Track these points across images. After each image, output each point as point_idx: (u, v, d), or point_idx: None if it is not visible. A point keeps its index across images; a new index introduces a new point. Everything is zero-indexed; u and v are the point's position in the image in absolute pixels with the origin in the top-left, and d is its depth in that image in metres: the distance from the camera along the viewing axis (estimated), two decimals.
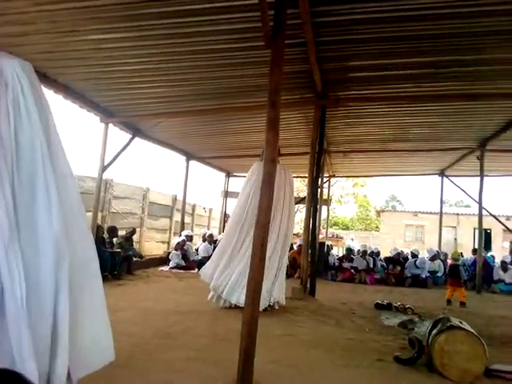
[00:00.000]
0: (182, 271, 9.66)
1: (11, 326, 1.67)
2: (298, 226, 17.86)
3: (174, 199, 12.58)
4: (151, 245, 11.37)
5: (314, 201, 7.08)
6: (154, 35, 4.86)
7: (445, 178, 13.13)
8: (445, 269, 10.38)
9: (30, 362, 1.66)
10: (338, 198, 27.71)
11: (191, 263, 10.29)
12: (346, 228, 33.18)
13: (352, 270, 10.40)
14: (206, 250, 10.10)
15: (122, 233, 8.88)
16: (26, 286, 1.73)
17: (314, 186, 7.20)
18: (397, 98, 6.93)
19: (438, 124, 8.29)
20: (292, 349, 3.92)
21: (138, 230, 10.24)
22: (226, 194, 15.23)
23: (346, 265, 10.67)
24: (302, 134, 9.10)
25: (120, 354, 3.41)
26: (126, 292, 6.56)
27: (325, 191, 14.25)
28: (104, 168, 8.09)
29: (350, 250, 11.50)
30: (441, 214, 13.95)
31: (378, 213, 28.92)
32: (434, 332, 3.53)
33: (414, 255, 10.87)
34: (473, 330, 3.47)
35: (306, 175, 7.49)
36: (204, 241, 10.95)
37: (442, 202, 14.09)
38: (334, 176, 15.14)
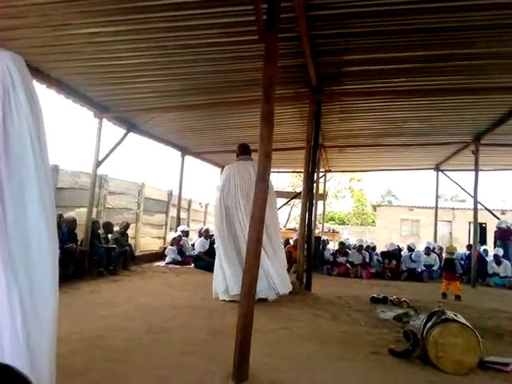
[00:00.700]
0: (178, 266, 9.65)
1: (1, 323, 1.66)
2: (295, 221, 17.89)
3: (170, 194, 12.52)
4: (147, 240, 11.33)
5: (309, 196, 7.08)
6: (148, 29, 4.81)
7: (440, 172, 13.16)
8: (440, 263, 10.45)
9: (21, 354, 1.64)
10: (334, 193, 27.77)
11: (187, 258, 10.30)
12: (342, 223, 33.26)
13: (348, 265, 10.42)
14: (202, 245, 10.08)
15: (117, 228, 8.86)
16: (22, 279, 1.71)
17: (309, 181, 7.19)
18: (391, 92, 6.93)
19: (432, 118, 8.30)
20: (288, 342, 3.93)
21: (133, 225, 10.20)
22: None
23: (340, 259, 10.67)
24: (298, 128, 9.07)
25: (115, 349, 3.43)
26: (121, 287, 6.54)
27: (321, 186, 14.28)
28: (98, 163, 8.04)
29: (342, 244, 11.51)
30: (436, 208, 14.00)
31: (374, 207, 29.03)
32: (429, 325, 3.55)
33: (411, 249, 10.90)
34: (467, 323, 3.48)
35: (302, 170, 7.47)
36: (200, 236, 10.92)
37: (437, 196, 14.15)
38: (329, 171, 15.14)
